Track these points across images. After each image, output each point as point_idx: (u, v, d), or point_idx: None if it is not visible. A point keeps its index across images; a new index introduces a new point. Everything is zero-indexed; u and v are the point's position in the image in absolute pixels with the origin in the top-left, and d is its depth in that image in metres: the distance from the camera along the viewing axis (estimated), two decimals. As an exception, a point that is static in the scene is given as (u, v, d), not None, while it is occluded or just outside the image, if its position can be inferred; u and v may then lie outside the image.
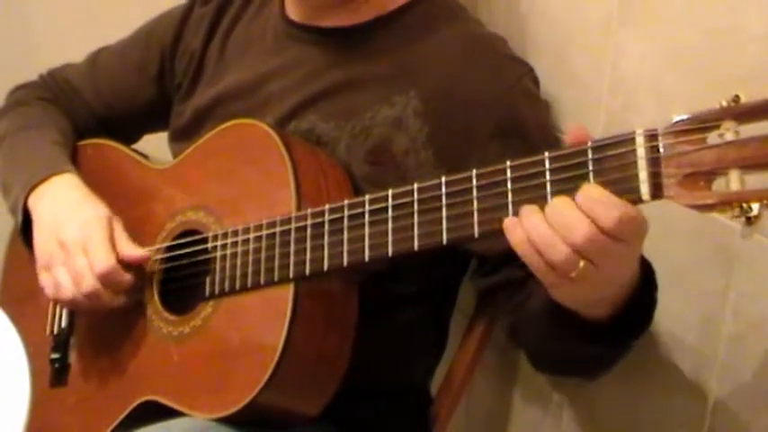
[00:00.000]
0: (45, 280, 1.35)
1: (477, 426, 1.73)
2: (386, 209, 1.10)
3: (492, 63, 1.31)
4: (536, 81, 1.34)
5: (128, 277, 1.32)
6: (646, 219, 0.92)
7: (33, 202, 1.41)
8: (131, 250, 1.33)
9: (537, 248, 0.93)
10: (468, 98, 1.27)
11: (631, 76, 1.26)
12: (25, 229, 1.43)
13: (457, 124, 1.27)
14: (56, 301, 1.41)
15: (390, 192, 1.10)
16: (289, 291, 1.18)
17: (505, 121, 1.25)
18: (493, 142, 1.24)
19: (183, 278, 1.32)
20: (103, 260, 1.30)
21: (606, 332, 1.07)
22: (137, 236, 1.36)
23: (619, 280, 0.99)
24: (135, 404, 1.31)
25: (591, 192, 0.91)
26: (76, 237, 1.32)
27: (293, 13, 1.42)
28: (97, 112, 1.61)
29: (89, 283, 1.30)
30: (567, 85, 1.37)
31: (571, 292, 0.98)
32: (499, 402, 1.64)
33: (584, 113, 1.34)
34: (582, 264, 0.91)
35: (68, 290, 1.31)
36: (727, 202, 0.85)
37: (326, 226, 1.15)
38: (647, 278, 1.06)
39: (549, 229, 0.92)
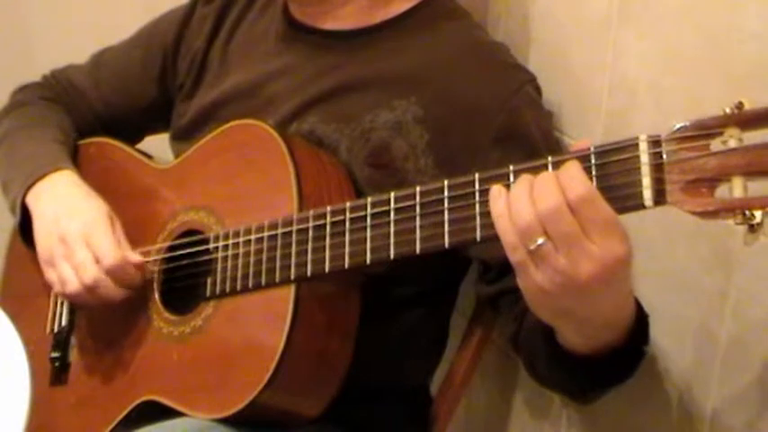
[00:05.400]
0: (50, 275, 1.35)
1: (477, 426, 1.74)
2: (388, 212, 1.10)
3: (494, 71, 1.31)
4: (538, 89, 1.34)
5: (134, 272, 1.32)
6: (616, 219, 0.91)
7: (32, 200, 1.41)
8: (129, 254, 1.33)
9: (509, 210, 0.93)
10: (469, 105, 1.27)
11: (631, 76, 1.25)
12: (24, 226, 1.43)
13: (458, 132, 1.27)
14: (62, 297, 1.41)
15: (393, 195, 1.10)
16: (290, 292, 1.18)
17: (507, 127, 1.25)
18: (495, 149, 1.24)
19: (183, 278, 1.32)
20: (111, 253, 1.30)
21: (579, 366, 1.08)
22: (138, 235, 1.37)
23: (584, 299, 0.95)
24: (135, 404, 1.31)
25: (570, 167, 0.92)
26: (78, 231, 1.33)
27: (296, 12, 1.42)
28: (99, 113, 1.62)
29: (91, 275, 1.30)
30: (567, 85, 1.37)
31: (536, 285, 0.94)
32: (499, 403, 1.64)
33: (584, 113, 1.34)
34: (542, 239, 0.91)
35: (73, 283, 1.31)
36: (730, 210, 0.85)
37: (328, 228, 1.16)
38: (639, 332, 1.07)
39: (525, 193, 0.92)
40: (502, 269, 1.24)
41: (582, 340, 1.06)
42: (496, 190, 0.96)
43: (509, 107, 1.27)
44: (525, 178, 0.94)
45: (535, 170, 0.96)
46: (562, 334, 1.07)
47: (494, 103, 1.27)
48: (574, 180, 0.91)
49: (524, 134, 1.26)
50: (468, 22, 1.38)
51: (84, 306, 1.38)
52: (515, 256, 0.94)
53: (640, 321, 1.08)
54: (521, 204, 0.92)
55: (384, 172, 1.28)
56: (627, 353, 1.08)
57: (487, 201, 0.98)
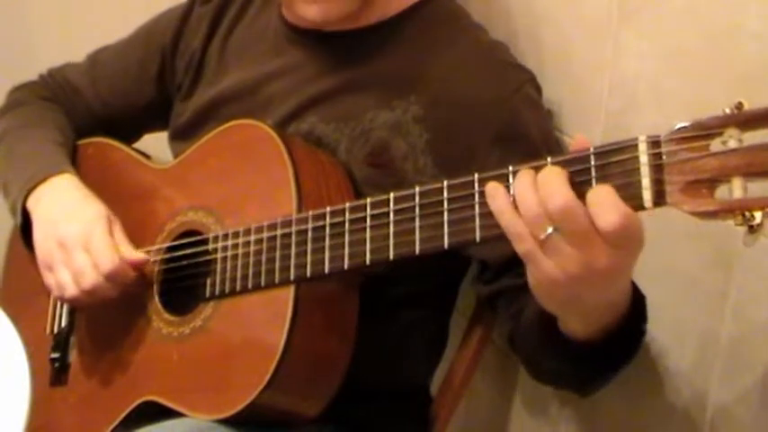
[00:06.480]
0: (48, 280, 1.36)
1: (477, 426, 1.74)
2: (387, 213, 1.10)
3: (494, 70, 1.31)
4: (538, 89, 1.34)
5: (133, 275, 1.32)
6: (640, 227, 0.90)
7: (32, 203, 1.41)
8: (131, 253, 1.33)
9: (517, 207, 0.92)
10: (469, 105, 1.27)
11: (631, 77, 1.25)
12: (25, 229, 1.43)
13: (457, 131, 1.27)
14: (60, 301, 1.41)
15: (392, 195, 1.10)
16: (289, 292, 1.18)
17: (507, 127, 1.25)
18: (494, 149, 1.24)
19: (183, 278, 1.32)
20: (108, 258, 1.30)
21: (584, 353, 1.07)
22: (137, 236, 1.37)
23: (596, 287, 0.95)
24: (135, 404, 1.31)
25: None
26: (76, 235, 1.32)
27: (292, 19, 1.41)
28: (97, 112, 1.61)
29: (90, 280, 1.30)
30: (567, 85, 1.37)
31: (545, 276, 0.93)
32: (499, 403, 1.64)
33: (584, 114, 1.34)
34: (551, 228, 0.90)
35: (71, 288, 1.31)
36: (730, 210, 0.85)
37: (327, 229, 1.15)
38: (637, 312, 1.06)
39: (533, 192, 0.91)
40: (499, 269, 1.24)
41: (583, 326, 1.05)
42: (492, 187, 0.95)
43: (509, 107, 1.27)
44: (528, 172, 0.93)
45: (534, 170, 0.96)
46: (564, 321, 1.06)
47: (493, 102, 1.27)
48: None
49: (524, 134, 1.26)
50: (467, 22, 1.38)
51: (84, 308, 1.37)
52: (523, 246, 0.93)
53: (637, 302, 1.07)
54: (527, 195, 0.91)
55: (383, 172, 1.28)
56: (626, 333, 1.06)
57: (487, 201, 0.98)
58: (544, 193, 0.90)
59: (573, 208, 0.89)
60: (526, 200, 0.91)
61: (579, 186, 0.91)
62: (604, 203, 0.88)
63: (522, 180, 0.93)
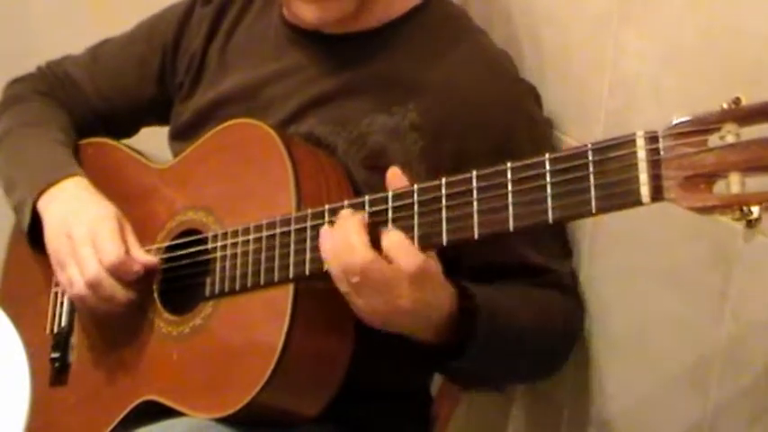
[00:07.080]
0: (61, 278, 1.36)
1: (477, 426, 1.73)
2: (386, 210, 1.10)
3: (494, 81, 1.31)
4: (538, 99, 1.35)
5: (136, 268, 1.32)
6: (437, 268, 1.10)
7: (43, 205, 1.41)
8: (142, 255, 1.33)
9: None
10: (466, 114, 1.27)
11: (631, 76, 1.25)
12: (32, 230, 1.43)
13: (452, 141, 1.27)
14: (73, 299, 1.40)
15: (390, 193, 1.10)
16: (288, 291, 1.18)
17: (503, 142, 1.26)
18: (486, 162, 1.23)
19: (183, 278, 1.32)
20: (113, 253, 1.30)
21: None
22: (138, 235, 1.37)
23: (406, 319, 1.13)
24: (135, 404, 1.31)
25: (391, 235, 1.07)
26: (84, 231, 1.33)
27: (292, 20, 1.41)
28: (96, 106, 1.61)
29: (92, 271, 1.30)
30: (567, 84, 1.37)
31: (360, 311, 1.12)
32: (499, 403, 1.64)
33: (584, 113, 1.34)
34: (356, 279, 1.07)
35: (78, 283, 1.32)
36: (728, 205, 0.85)
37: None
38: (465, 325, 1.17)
39: (333, 253, 1.10)
40: (476, 276, 1.24)
41: (422, 336, 1.19)
42: (323, 231, 1.12)
43: (506, 121, 1.28)
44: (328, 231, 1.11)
45: (533, 167, 0.98)
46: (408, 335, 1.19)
47: (491, 119, 1.27)
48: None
49: (518, 149, 1.24)
50: (469, 26, 1.38)
51: (93, 310, 1.36)
52: (341, 286, 1.10)
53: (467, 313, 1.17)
54: (331, 254, 1.10)
55: (381, 176, 1.28)
56: (458, 345, 1.18)
57: (485, 197, 1.02)
58: (344, 252, 1.08)
59: (369, 265, 1.06)
60: (332, 259, 1.09)
61: (378, 229, 1.08)
62: (400, 249, 1.06)
63: (325, 239, 1.11)
